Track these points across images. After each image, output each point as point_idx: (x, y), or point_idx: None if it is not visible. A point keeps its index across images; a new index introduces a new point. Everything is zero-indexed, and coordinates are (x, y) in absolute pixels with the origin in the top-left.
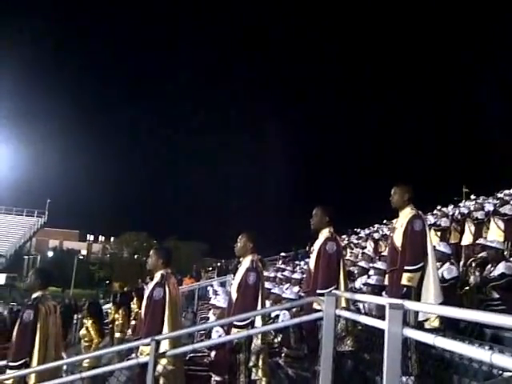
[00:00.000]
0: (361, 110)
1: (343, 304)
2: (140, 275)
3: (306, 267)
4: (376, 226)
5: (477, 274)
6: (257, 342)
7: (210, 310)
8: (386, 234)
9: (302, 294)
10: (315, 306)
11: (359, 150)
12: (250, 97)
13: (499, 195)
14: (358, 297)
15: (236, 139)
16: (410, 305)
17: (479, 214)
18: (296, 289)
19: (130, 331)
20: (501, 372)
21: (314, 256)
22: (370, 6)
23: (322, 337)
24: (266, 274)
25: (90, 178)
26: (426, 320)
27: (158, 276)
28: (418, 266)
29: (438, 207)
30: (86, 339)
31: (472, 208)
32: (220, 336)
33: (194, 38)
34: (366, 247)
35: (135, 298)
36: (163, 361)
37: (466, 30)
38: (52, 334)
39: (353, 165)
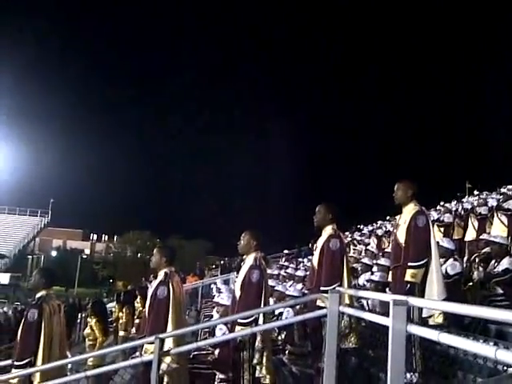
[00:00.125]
0: (365, 109)
1: (347, 301)
2: (144, 274)
3: (309, 264)
4: (379, 222)
5: (480, 269)
6: (258, 339)
7: (213, 307)
8: (389, 231)
9: (306, 292)
10: (319, 303)
11: (363, 147)
12: (255, 96)
13: (503, 190)
14: (361, 293)
15: (241, 139)
16: (414, 301)
17: (482, 210)
18: (299, 286)
19: (133, 330)
20: (506, 368)
21: (317, 253)
22: (375, 6)
23: (326, 334)
24: (269, 271)
25: (93, 177)
26: (430, 316)
27: (161, 274)
28: (422, 262)
29: (442, 203)
30: (90, 338)
31: (475, 203)
32: (224, 334)
33: (198, 37)
34: (369, 244)
35: (139, 297)
36: (167, 359)
37: (471, 29)
38: (56, 334)
39: (356, 161)
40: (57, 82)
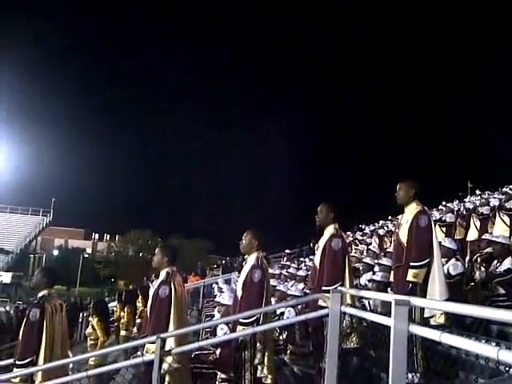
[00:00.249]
0: (366, 108)
1: (348, 301)
2: (145, 273)
3: (310, 264)
4: (381, 222)
5: (482, 269)
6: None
7: (215, 307)
8: (391, 230)
9: (307, 291)
10: (320, 302)
11: (363, 147)
12: (255, 96)
13: (504, 190)
14: (363, 293)
15: (240, 139)
16: (416, 301)
17: (484, 209)
18: (301, 286)
19: (135, 329)
20: (508, 369)
21: (319, 253)
22: (373, 7)
23: (328, 334)
24: (270, 271)
25: (94, 176)
26: (432, 316)
27: (163, 274)
28: (424, 262)
29: (443, 203)
30: (91, 337)
31: (477, 203)
32: (225, 333)
33: (198, 37)
34: (371, 243)
35: (140, 296)
36: (169, 358)
37: (468, 29)
38: (58, 333)
39: (357, 161)
40: (57, 81)
